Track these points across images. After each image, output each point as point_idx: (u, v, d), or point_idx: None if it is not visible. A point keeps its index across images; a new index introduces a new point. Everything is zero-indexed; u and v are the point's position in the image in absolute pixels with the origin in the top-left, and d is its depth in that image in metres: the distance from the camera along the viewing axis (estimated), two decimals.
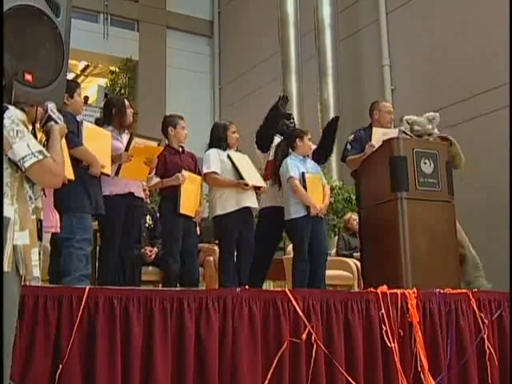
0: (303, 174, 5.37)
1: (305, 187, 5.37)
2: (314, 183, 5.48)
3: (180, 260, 5.27)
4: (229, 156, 5.32)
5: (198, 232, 5.95)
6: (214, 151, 5.41)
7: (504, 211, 6.83)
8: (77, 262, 4.14)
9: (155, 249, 5.69)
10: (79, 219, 4.23)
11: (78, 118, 4.53)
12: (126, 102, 5.07)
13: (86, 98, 4.40)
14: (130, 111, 5.02)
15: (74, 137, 4.22)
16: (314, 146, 5.63)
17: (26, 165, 2.37)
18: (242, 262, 5.35)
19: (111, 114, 4.92)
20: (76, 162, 4.22)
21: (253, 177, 5.37)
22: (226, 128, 5.49)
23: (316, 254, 5.41)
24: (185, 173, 5.29)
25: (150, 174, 5.01)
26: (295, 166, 5.40)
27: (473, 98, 8.14)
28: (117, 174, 4.68)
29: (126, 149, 4.70)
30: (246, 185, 5.23)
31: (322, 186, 5.61)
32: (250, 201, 5.34)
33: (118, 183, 4.74)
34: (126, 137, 4.91)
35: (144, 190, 5.38)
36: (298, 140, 5.49)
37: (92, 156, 4.36)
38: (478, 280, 5.20)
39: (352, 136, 5.47)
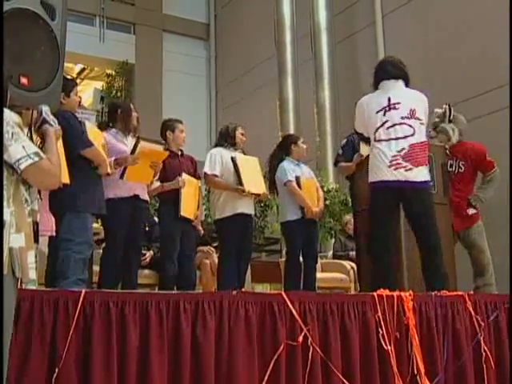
0: (298, 178, 5.45)
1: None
2: (308, 187, 5.55)
3: (177, 263, 5.28)
4: (232, 159, 5.35)
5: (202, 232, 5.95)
6: (217, 151, 5.46)
7: (504, 211, 6.84)
8: (74, 265, 4.13)
9: (151, 252, 5.69)
10: (82, 220, 4.22)
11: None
12: (132, 106, 5.14)
13: (79, 98, 4.40)
14: (134, 114, 5.05)
15: (86, 137, 4.25)
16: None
17: (22, 167, 2.36)
18: (241, 266, 5.38)
19: (116, 117, 4.95)
20: (83, 161, 4.24)
21: (253, 183, 5.38)
22: (235, 128, 5.57)
23: (309, 258, 5.49)
24: (184, 176, 5.31)
25: (154, 177, 5.03)
26: (291, 169, 5.48)
27: (469, 100, 8.15)
28: (122, 176, 4.69)
29: (132, 152, 4.72)
30: (244, 191, 5.26)
31: (316, 189, 5.69)
32: (246, 207, 5.37)
33: (123, 186, 4.75)
34: (131, 140, 4.94)
35: None
36: (292, 145, 5.60)
37: (102, 156, 4.39)
38: (487, 287, 5.21)
39: (344, 140, 5.50)
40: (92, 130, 4.50)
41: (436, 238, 4.34)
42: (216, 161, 5.40)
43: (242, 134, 5.60)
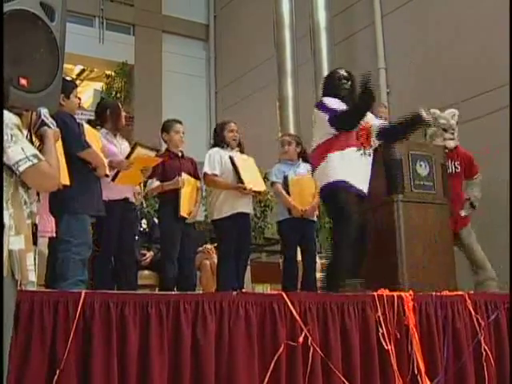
0: (286, 177, 5.48)
1: (289, 190, 5.46)
2: (299, 185, 5.53)
3: (177, 264, 5.28)
4: (231, 158, 5.34)
5: None
6: (215, 151, 5.45)
7: (504, 211, 6.84)
8: (74, 266, 4.12)
9: (151, 252, 5.70)
10: (80, 221, 4.22)
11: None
12: (120, 105, 5.11)
13: (79, 99, 4.40)
14: (123, 114, 5.05)
15: (83, 139, 4.26)
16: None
17: (21, 169, 2.36)
18: (240, 266, 5.38)
19: (105, 117, 4.94)
20: (82, 163, 4.25)
21: (253, 181, 5.38)
22: (222, 128, 5.53)
23: (306, 256, 5.51)
24: (184, 176, 5.31)
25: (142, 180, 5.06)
26: (280, 171, 5.55)
27: (469, 101, 8.15)
28: (113, 179, 4.69)
29: (128, 156, 4.72)
30: (245, 189, 5.26)
31: (316, 187, 5.68)
32: (245, 207, 5.37)
33: (114, 189, 4.74)
34: (120, 140, 4.95)
35: (138, 194, 5.40)
36: (281, 148, 5.67)
37: (100, 158, 4.39)
38: (490, 281, 5.24)
39: None
40: (90, 132, 4.50)
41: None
42: (215, 160, 5.38)
43: (233, 131, 5.53)
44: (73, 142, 4.12)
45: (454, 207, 5.29)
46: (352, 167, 4.50)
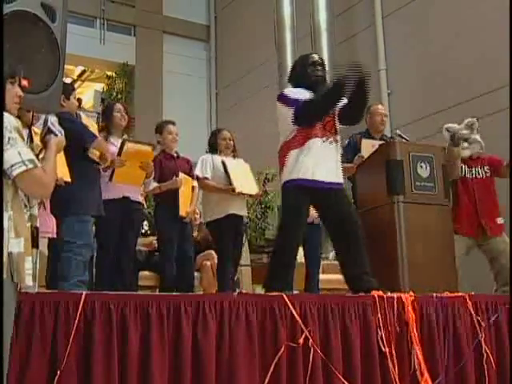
0: None
1: None
2: None
3: (176, 265, 5.29)
4: (223, 162, 5.37)
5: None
6: (207, 156, 5.50)
7: (503, 211, 6.84)
8: (75, 267, 4.14)
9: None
10: (82, 222, 4.24)
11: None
12: (118, 106, 5.12)
13: (80, 100, 4.42)
14: (118, 115, 5.04)
15: (90, 131, 4.32)
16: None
17: (14, 173, 2.34)
18: (237, 268, 5.40)
19: (103, 118, 5.02)
20: (82, 163, 4.26)
21: (245, 184, 5.40)
22: (216, 135, 5.59)
23: (310, 260, 5.50)
24: (181, 175, 5.33)
25: (148, 177, 5.04)
26: None
27: (469, 102, 8.15)
28: (110, 179, 4.70)
29: (119, 153, 4.73)
30: (234, 190, 5.27)
31: None
32: (238, 209, 5.38)
33: (111, 188, 4.76)
34: (116, 139, 4.99)
35: (141, 195, 5.41)
36: None
37: (106, 146, 4.46)
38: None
39: (346, 141, 5.50)
40: (87, 121, 4.58)
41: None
42: (207, 164, 5.44)
43: (225, 139, 5.56)
44: (83, 135, 4.17)
45: (489, 212, 5.36)
46: (315, 160, 4.18)
